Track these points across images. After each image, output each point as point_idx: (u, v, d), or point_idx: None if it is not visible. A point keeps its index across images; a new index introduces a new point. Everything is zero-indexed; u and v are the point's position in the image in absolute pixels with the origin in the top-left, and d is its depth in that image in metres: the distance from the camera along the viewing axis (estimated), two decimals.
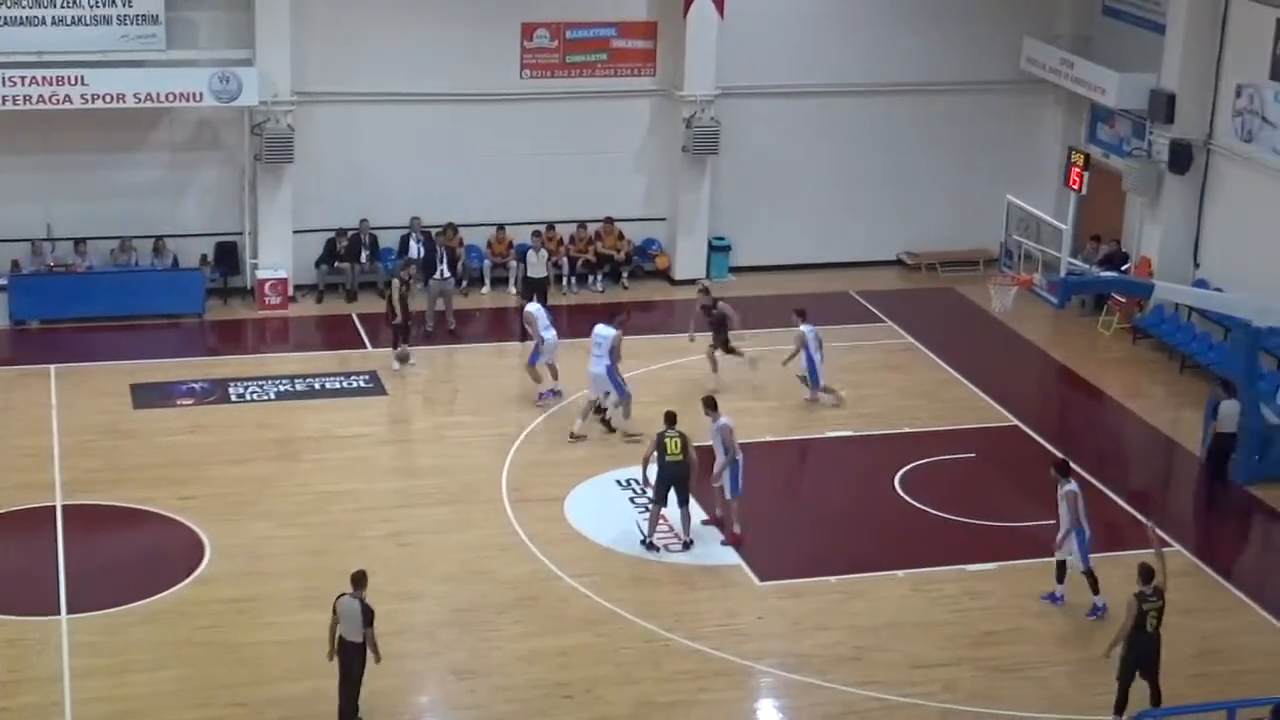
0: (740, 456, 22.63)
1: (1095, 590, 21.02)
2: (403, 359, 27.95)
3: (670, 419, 22.67)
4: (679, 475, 22.36)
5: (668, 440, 22.35)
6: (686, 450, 22.35)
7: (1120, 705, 18.81)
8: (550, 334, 26.68)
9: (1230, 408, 24.85)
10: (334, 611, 18.18)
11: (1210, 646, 20.67)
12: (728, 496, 22.66)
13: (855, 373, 28.66)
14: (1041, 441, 26.26)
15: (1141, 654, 18.69)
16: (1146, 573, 18.71)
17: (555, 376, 26.96)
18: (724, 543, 22.58)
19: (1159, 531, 19.96)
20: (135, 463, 24.52)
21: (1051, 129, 34.08)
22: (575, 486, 24.08)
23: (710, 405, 23.01)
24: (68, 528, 22.45)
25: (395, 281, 28.22)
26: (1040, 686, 19.73)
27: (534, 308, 27.16)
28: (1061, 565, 21.23)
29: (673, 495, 22.41)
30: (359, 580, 18.23)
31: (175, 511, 23.01)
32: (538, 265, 29.73)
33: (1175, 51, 30.03)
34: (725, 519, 22.76)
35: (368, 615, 18.03)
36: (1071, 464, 21.95)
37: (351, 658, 18.15)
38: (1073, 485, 21.08)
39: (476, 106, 31.76)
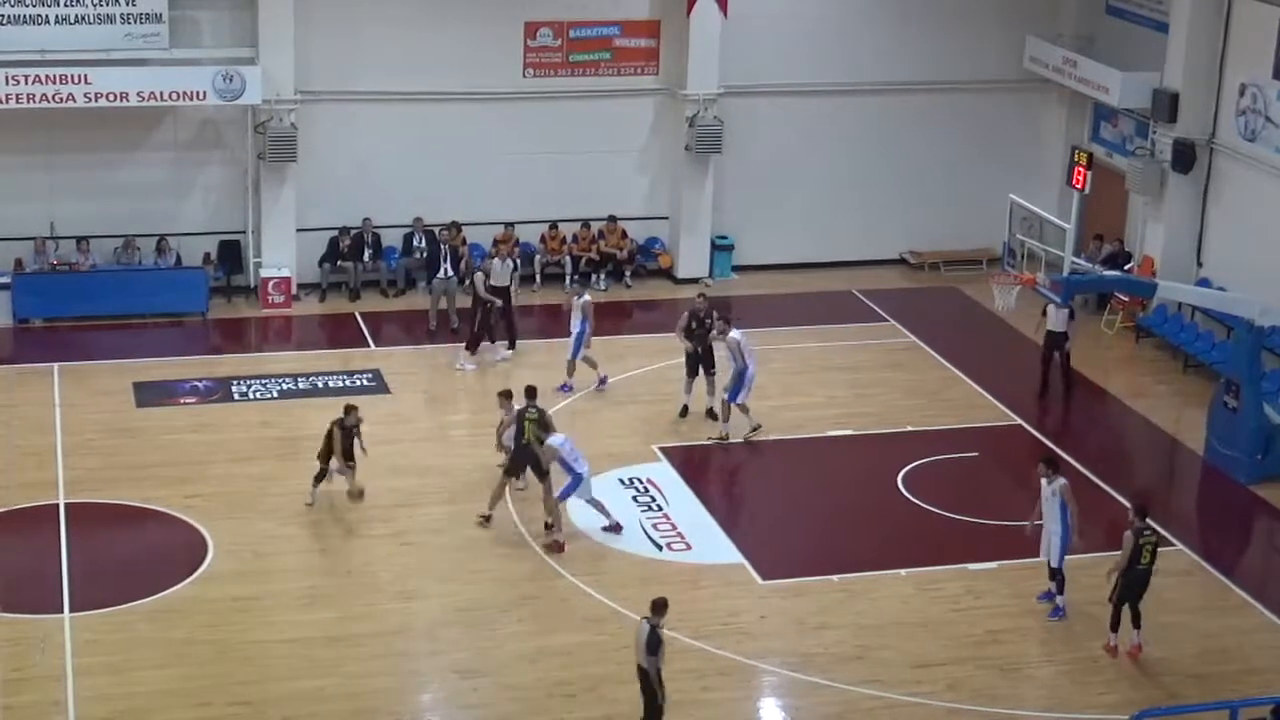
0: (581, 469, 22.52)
1: (1060, 590, 20.95)
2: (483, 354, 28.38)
3: (531, 393, 23.20)
4: (532, 458, 22.82)
5: (527, 424, 22.79)
6: (541, 431, 22.68)
7: (1114, 624, 20.03)
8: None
9: (1054, 310, 27.17)
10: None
11: (1212, 646, 20.67)
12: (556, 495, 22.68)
13: (858, 372, 28.68)
14: (1044, 440, 26.26)
15: (1134, 584, 19.83)
16: (1142, 509, 19.84)
17: (571, 374, 27.41)
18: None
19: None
20: (138, 461, 24.54)
21: (1055, 128, 34.07)
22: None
23: (516, 395, 23.38)
24: (71, 526, 22.48)
25: (479, 275, 28.40)
26: (1042, 685, 19.74)
27: (587, 300, 27.43)
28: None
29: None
30: (658, 607, 17.90)
31: (178, 510, 23.03)
32: (501, 274, 28.74)
33: (1178, 51, 30.01)
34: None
35: (651, 643, 17.69)
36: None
37: (642, 683, 17.94)
38: (1064, 480, 21.01)
39: (480, 105, 31.78)
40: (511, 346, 28.86)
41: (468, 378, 28.21)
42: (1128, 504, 20.37)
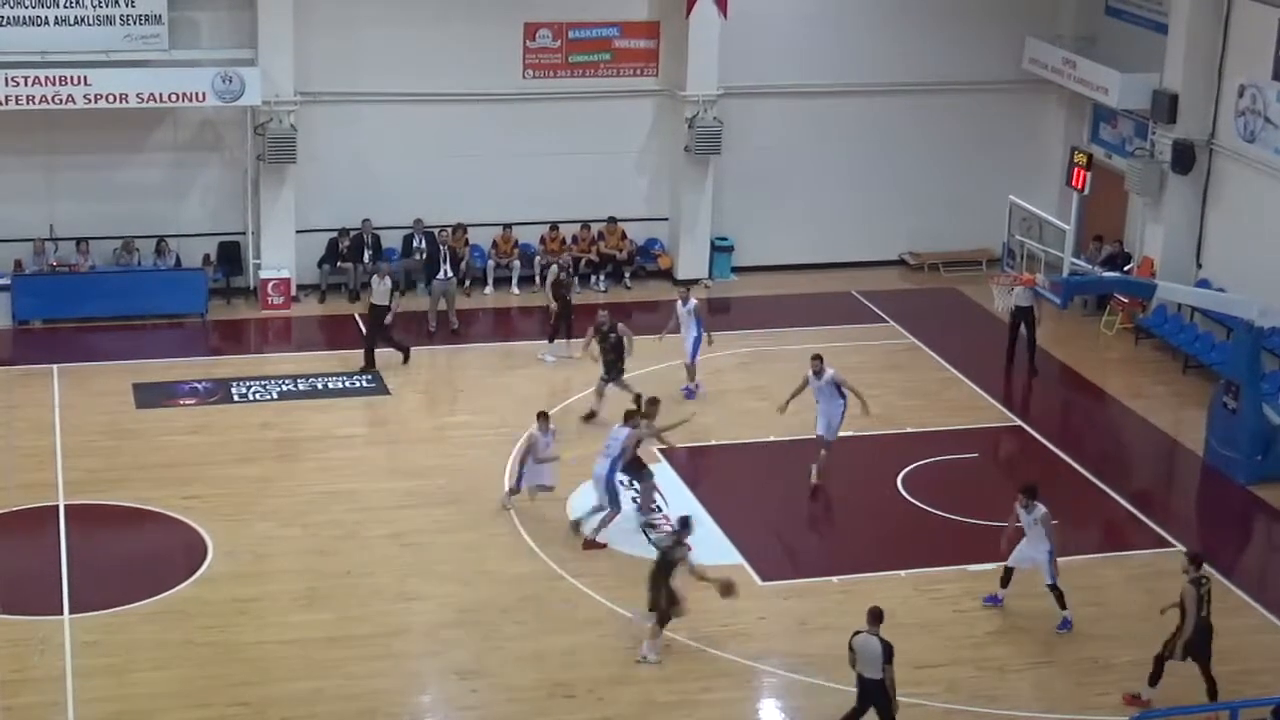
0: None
1: (1063, 605, 20.78)
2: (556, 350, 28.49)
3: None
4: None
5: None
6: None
7: (1155, 679, 19.11)
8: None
9: (1021, 293, 27.19)
10: (850, 649, 17.84)
11: (1213, 647, 20.63)
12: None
13: (858, 373, 28.51)
14: (1044, 441, 26.27)
15: (1202, 638, 18.96)
16: (1197, 559, 19.11)
17: (691, 376, 27.30)
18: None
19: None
20: (138, 462, 24.54)
21: (1054, 129, 34.08)
22: (578, 486, 24.06)
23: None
24: (70, 527, 22.47)
25: (554, 268, 28.54)
26: (1041, 686, 19.73)
27: (695, 303, 27.32)
28: (1010, 571, 21.09)
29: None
30: (877, 616, 17.81)
31: (177, 511, 23.03)
32: (380, 292, 28.03)
33: (1178, 51, 30.02)
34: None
35: (888, 652, 17.60)
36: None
37: (873, 695, 17.81)
38: (1044, 508, 20.71)
39: (479, 106, 31.78)
40: (366, 367, 28.02)
41: (468, 378, 28.22)
42: (1184, 555, 19.60)
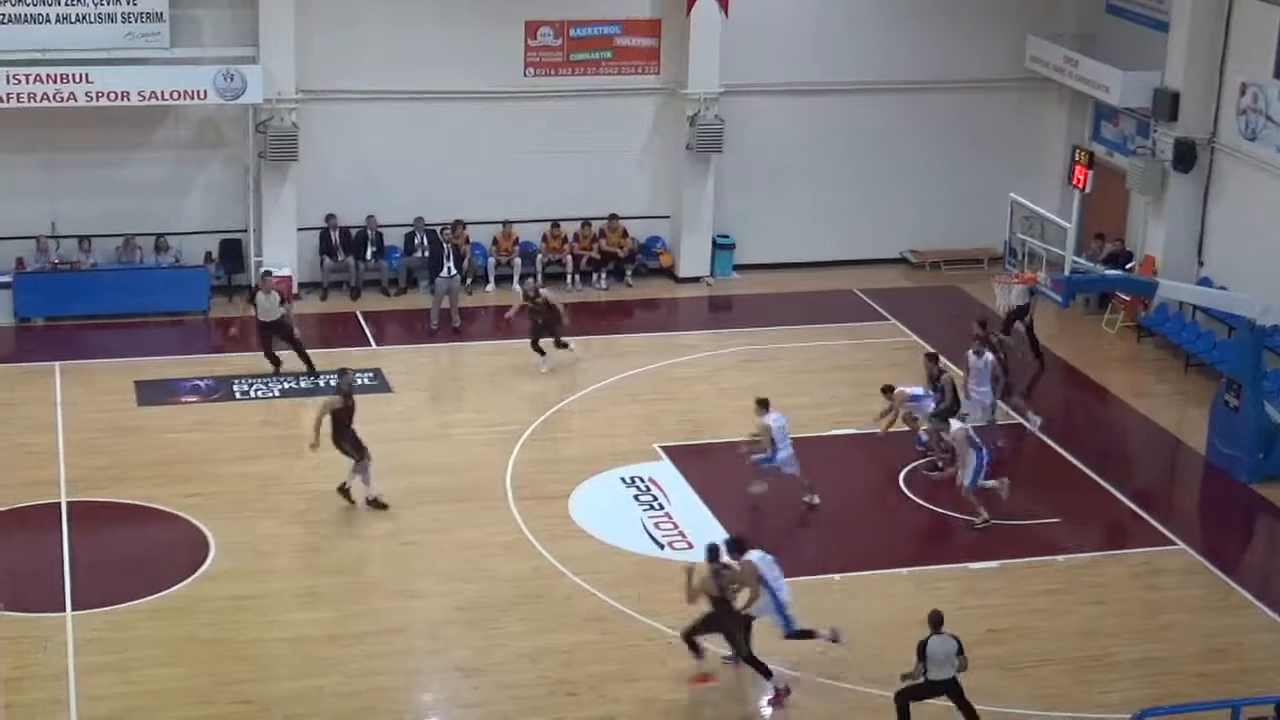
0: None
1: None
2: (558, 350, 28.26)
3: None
4: None
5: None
6: None
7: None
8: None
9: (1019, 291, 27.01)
10: (921, 658, 17.90)
11: (1214, 645, 20.67)
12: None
13: (859, 371, 28.66)
14: (1045, 440, 26.27)
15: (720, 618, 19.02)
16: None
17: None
18: None
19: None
20: (140, 460, 24.54)
21: (1055, 127, 34.07)
22: (580, 484, 24.10)
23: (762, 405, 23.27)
24: (73, 525, 22.48)
25: (521, 291, 28.60)
26: (1042, 685, 19.72)
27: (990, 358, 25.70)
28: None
29: None
30: (939, 620, 18.01)
31: (180, 508, 23.04)
32: (269, 309, 27.17)
33: (1179, 50, 30.01)
34: None
35: (960, 644, 18.00)
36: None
37: (945, 689, 18.04)
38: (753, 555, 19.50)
39: (480, 104, 31.78)
40: (311, 373, 27.53)
41: (470, 376, 28.22)
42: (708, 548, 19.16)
